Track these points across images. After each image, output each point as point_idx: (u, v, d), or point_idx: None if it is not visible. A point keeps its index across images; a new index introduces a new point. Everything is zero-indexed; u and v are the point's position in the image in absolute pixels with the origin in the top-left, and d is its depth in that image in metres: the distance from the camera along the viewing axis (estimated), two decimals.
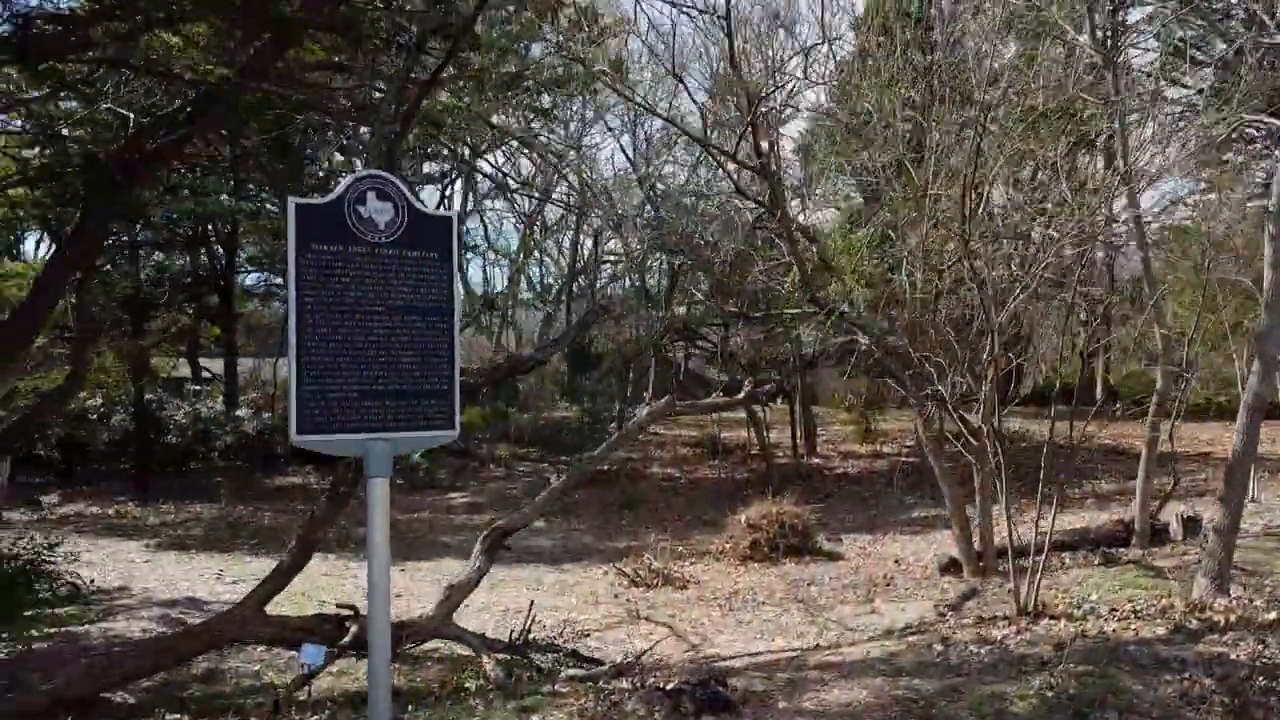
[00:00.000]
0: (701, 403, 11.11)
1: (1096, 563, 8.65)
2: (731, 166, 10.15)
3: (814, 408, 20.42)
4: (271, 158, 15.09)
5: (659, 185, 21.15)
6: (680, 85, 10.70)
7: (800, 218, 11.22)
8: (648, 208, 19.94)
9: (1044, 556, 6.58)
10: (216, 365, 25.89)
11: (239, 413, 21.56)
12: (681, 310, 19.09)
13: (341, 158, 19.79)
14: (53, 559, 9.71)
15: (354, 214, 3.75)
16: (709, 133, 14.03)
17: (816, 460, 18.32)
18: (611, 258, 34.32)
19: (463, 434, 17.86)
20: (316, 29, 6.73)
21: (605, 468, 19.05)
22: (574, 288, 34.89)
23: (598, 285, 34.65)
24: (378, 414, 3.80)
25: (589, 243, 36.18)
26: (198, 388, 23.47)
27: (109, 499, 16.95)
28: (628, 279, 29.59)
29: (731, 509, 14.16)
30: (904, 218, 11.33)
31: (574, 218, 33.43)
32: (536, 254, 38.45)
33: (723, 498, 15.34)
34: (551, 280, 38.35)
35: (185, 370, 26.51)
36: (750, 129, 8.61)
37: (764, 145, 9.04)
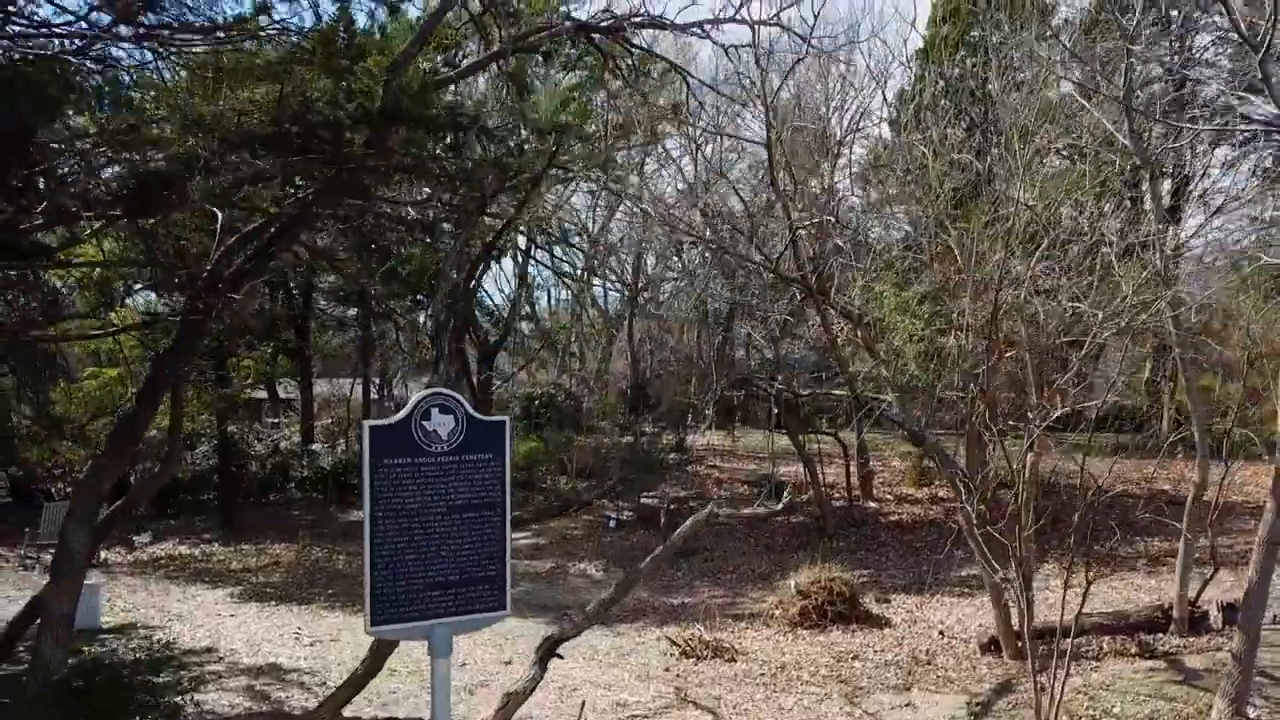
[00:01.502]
0: (743, 511, 11.56)
1: (1133, 652, 8.87)
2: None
3: (870, 434, 20.58)
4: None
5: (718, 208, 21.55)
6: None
7: (857, 283, 11.48)
8: (707, 231, 20.35)
9: (1065, 675, 6.86)
10: (285, 382, 27.03)
11: (314, 447, 22.62)
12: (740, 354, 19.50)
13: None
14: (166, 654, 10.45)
15: (420, 429, 4.31)
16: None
17: (871, 504, 18.57)
18: (672, 274, 34.77)
19: (526, 465, 18.50)
20: (384, 170, 7.34)
21: (666, 506, 19.61)
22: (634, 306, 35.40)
23: (660, 300, 35.24)
24: (439, 602, 4.36)
25: (651, 259, 36.80)
26: (276, 419, 24.67)
27: (196, 536, 17.98)
28: (687, 297, 30.17)
29: (784, 563, 14.58)
30: (950, 281, 11.65)
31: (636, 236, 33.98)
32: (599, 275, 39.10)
33: (776, 548, 15.75)
34: (616, 293, 38.88)
35: (261, 392, 27.72)
36: (791, 244, 9.02)
37: (803, 258, 9.43)
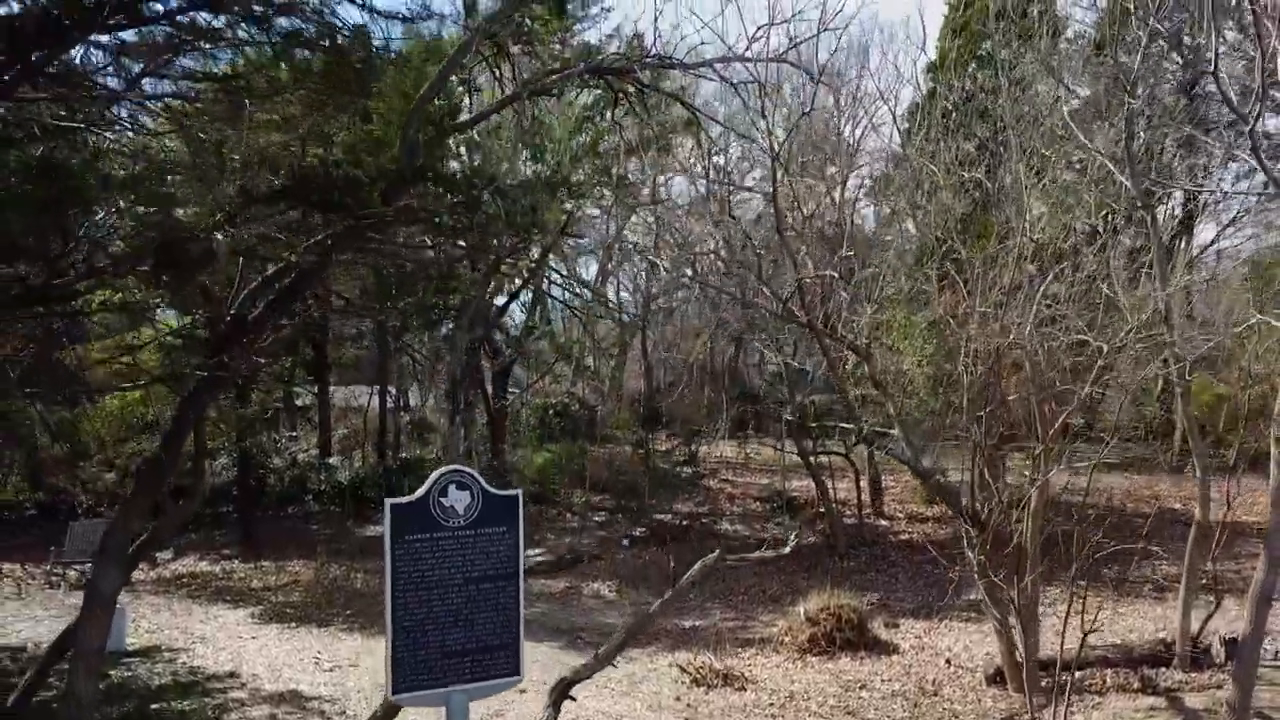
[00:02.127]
0: (750, 556, 11.78)
1: (1135, 687, 9.02)
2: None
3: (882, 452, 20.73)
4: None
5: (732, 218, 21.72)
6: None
7: (865, 314, 11.68)
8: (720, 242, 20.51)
9: (1065, 713, 7.03)
10: (301, 390, 27.30)
11: (331, 460, 22.95)
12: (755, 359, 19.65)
13: None
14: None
15: (438, 505, 4.54)
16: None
17: (883, 522, 18.73)
18: (684, 281, 35.00)
19: (539, 478, 18.70)
20: (397, 222, 7.58)
21: (679, 523, 19.84)
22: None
23: (673, 308, 35.44)
24: (456, 669, 4.58)
25: (664, 264, 37.08)
26: (293, 433, 24.97)
27: (216, 552, 18.32)
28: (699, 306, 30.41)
29: (795, 585, 14.78)
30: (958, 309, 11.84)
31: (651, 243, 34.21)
32: (613, 279, 39.36)
33: (787, 568, 15.91)
34: (628, 296, 39.11)
35: (277, 402, 28.01)
36: (798, 292, 9.23)
37: (810, 302, 9.65)
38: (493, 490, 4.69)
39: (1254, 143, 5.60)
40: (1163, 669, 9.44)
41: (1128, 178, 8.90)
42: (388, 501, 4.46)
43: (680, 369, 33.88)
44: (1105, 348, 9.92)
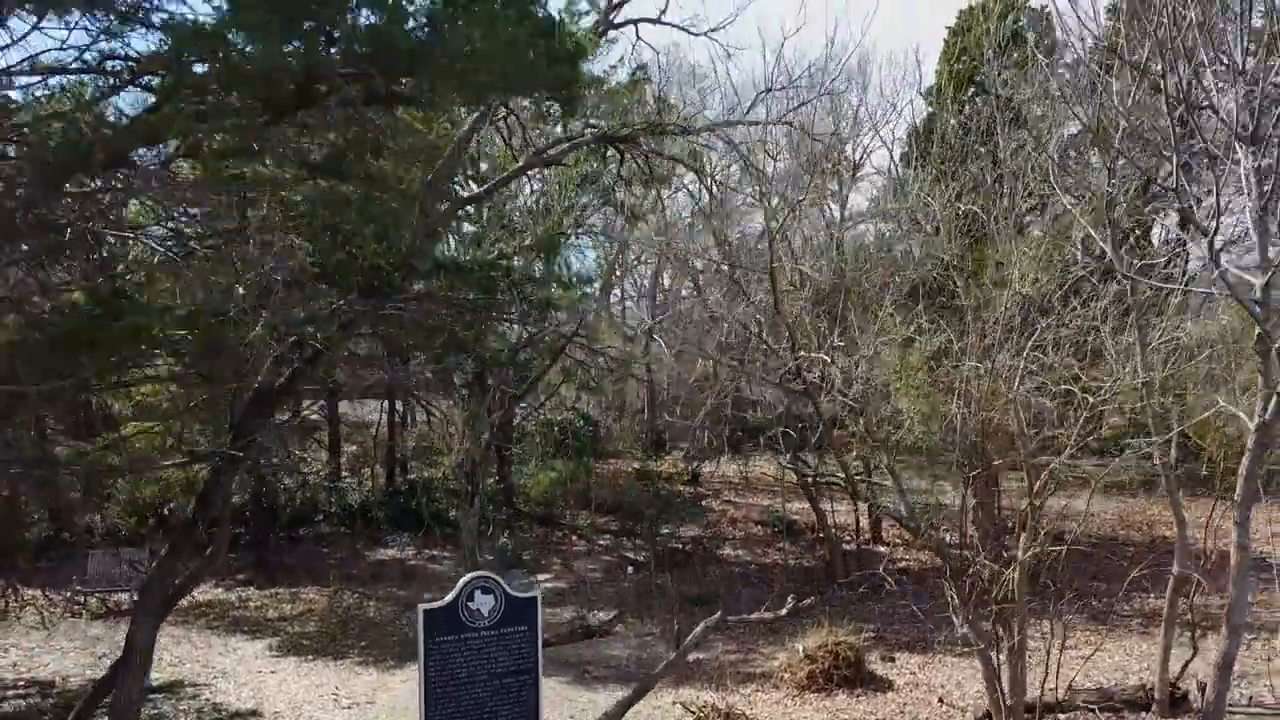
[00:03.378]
0: (750, 617, 12.30)
1: None
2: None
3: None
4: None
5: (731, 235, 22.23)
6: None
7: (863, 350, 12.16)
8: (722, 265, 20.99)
9: None
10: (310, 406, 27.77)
11: (341, 484, 23.45)
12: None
13: None
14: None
15: (466, 609, 5.02)
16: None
17: (881, 548, 19.21)
18: (685, 293, 35.50)
19: (546, 499, 19.21)
20: (417, 300, 8.10)
21: (682, 547, 20.31)
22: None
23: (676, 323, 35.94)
24: None
25: (667, 279, 37.67)
26: (303, 453, 25.44)
27: (231, 578, 18.82)
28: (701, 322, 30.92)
29: (795, 614, 15.23)
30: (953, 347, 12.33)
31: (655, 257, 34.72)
32: (618, 291, 39.94)
33: (787, 596, 16.38)
34: (633, 306, 39.69)
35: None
36: (793, 349, 9.70)
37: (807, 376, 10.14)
38: (514, 593, 5.17)
39: (1214, 260, 6.06)
40: (1143, 714, 9.90)
41: (1108, 245, 9.35)
42: (421, 608, 4.95)
43: (683, 384, 34.34)
44: (1091, 399, 10.41)
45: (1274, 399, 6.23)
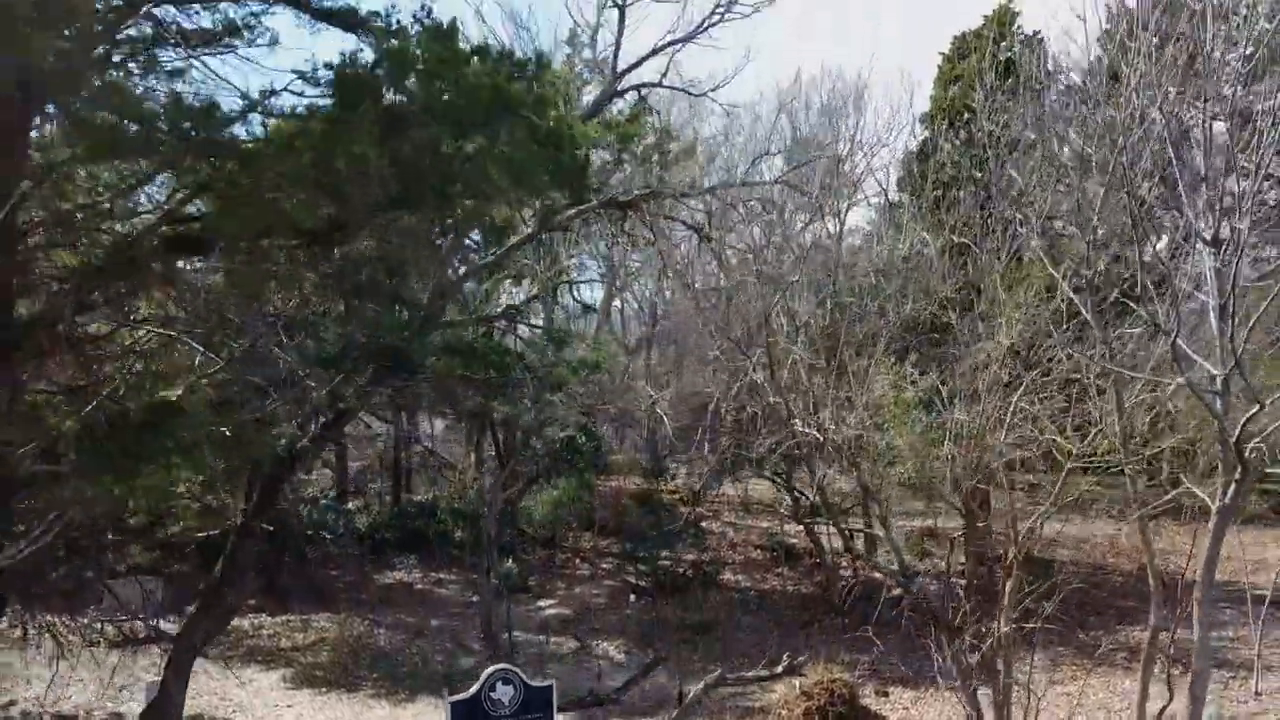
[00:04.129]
0: (748, 675, 12.79)
1: None
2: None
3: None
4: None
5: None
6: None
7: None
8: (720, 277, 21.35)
9: None
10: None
11: (349, 506, 23.94)
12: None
13: None
14: None
15: (489, 700, 5.51)
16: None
17: (876, 575, 19.66)
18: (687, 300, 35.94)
19: (549, 520, 19.66)
20: (435, 377, 8.60)
21: (683, 572, 20.78)
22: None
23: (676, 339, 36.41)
24: None
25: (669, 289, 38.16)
26: (309, 474, 25.90)
27: (244, 605, 19.27)
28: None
29: (793, 644, 15.76)
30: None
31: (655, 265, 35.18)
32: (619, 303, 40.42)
33: (784, 624, 16.90)
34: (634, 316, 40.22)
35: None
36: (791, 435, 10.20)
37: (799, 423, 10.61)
38: (532, 684, 5.66)
39: (1175, 354, 6.55)
40: None
41: (1090, 312, 9.82)
42: (448, 700, 5.43)
43: (684, 401, 34.77)
44: (1074, 451, 10.93)
45: (1233, 486, 6.71)
